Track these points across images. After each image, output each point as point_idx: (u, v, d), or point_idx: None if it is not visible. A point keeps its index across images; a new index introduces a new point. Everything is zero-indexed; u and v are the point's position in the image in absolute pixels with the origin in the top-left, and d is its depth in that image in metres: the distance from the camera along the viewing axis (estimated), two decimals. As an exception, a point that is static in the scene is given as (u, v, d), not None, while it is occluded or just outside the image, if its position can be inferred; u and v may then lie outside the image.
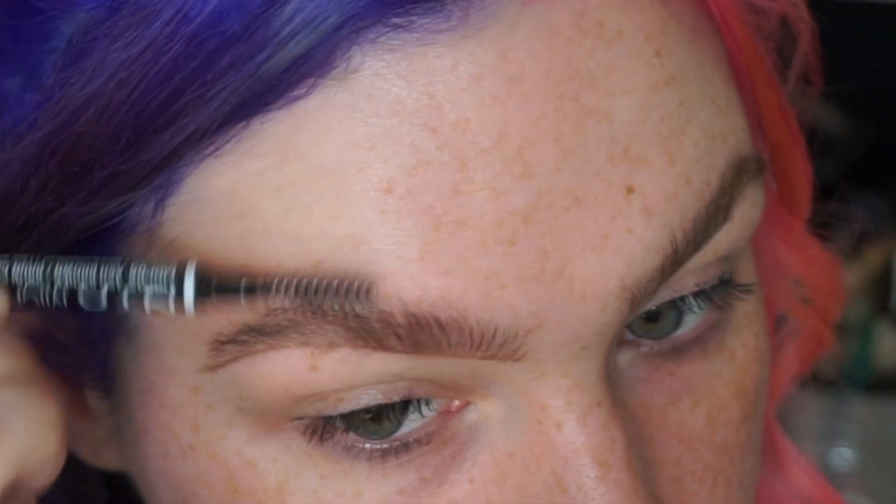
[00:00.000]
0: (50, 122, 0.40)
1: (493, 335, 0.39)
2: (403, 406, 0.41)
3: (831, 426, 1.47)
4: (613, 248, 0.39)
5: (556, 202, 0.39)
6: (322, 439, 0.41)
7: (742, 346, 0.45)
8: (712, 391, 0.44)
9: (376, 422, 0.41)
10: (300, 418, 0.41)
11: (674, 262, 0.40)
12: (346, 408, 0.40)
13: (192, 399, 0.42)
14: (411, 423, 0.41)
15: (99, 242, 0.42)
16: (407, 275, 0.38)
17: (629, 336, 0.43)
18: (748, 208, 0.42)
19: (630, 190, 0.39)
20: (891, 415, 1.57)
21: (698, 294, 0.43)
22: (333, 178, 0.38)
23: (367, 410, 0.41)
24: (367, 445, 0.41)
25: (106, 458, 0.49)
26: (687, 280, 0.42)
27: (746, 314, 0.45)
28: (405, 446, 0.41)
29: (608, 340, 0.41)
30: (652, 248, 0.40)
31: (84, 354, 0.45)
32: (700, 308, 0.43)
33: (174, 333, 0.42)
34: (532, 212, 0.39)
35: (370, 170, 0.38)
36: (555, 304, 0.39)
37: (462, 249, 0.38)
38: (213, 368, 0.41)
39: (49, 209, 0.41)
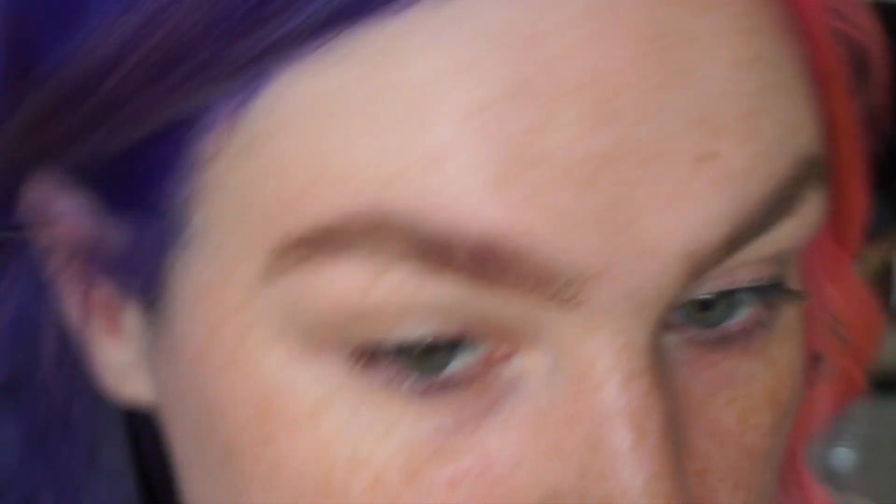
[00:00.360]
0: (151, 4, 0.40)
1: (556, 276, 0.39)
2: (455, 342, 0.41)
3: (831, 426, 1.47)
4: (681, 210, 0.39)
5: (634, 154, 0.39)
6: (366, 366, 0.41)
7: (781, 356, 0.45)
8: (749, 392, 0.44)
9: (426, 355, 0.41)
10: (348, 341, 0.41)
11: (736, 238, 0.40)
12: (398, 335, 0.40)
13: (241, 310, 0.42)
14: (458, 363, 0.41)
15: (175, 135, 0.41)
16: (482, 199, 0.38)
17: (678, 319, 0.43)
18: (810, 209, 0.42)
19: (704, 158, 0.39)
20: (891, 415, 1.57)
21: (751, 290, 0.43)
22: (421, 95, 0.38)
23: (418, 343, 0.40)
24: (409, 380, 0.41)
25: (131, 386, 0.48)
26: (742, 273, 0.42)
27: (789, 325, 0.45)
28: (446, 386, 0.41)
29: (663, 304, 0.41)
30: (718, 219, 0.40)
31: (133, 263, 0.45)
32: (751, 304, 0.43)
33: (234, 240, 0.41)
34: (611, 158, 0.38)
35: (459, 91, 0.38)
36: (620, 254, 0.39)
37: (539, 182, 0.38)
38: (269, 278, 0.41)
39: (133, 95, 0.41)
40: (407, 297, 0.39)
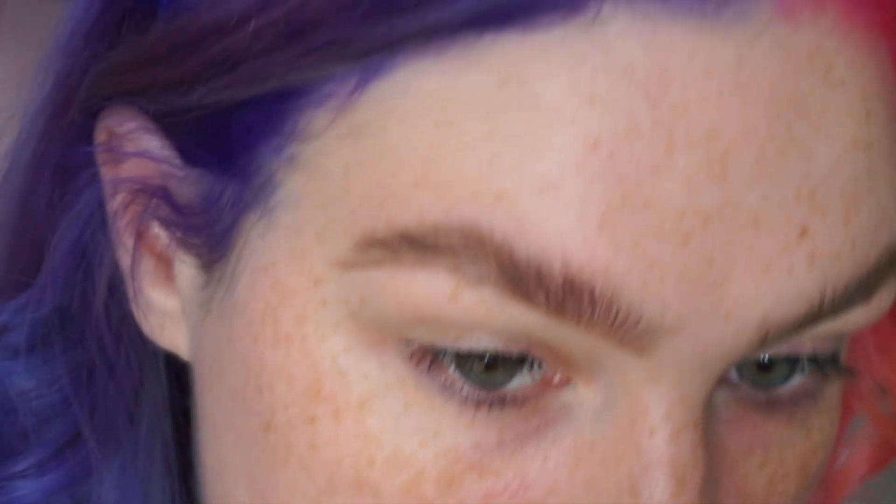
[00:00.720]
0: None
1: (637, 323, 0.39)
2: (518, 361, 0.41)
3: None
4: (771, 280, 0.39)
5: (738, 216, 0.39)
6: (426, 368, 0.41)
7: (820, 429, 0.45)
8: (782, 458, 0.44)
9: (489, 370, 0.41)
10: (411, 341, 0.41)
11: (814, 317, 0.41)
12: (464, 345, 0.40)
13: (310, 289, 0.42)
14: (516, 382, 0.41)
15: (277, 107, 0.41)
16: (580, 236, 0.38)
17: (733, 377, 0.43)
18: (885, 298, 0.43)
19: (804, 232, 0.39)
20: (893, 415, 1.56)
21: (811, 360, 0.44)
22: (544, 118, 0.38)
23: (481, 356, 0.40)
24: (465, 390, 0.41)
25: (169, 336, 0.48)
26: (806, 342, 0.42)
27: (831, 399, 0.46)
28: (500, 402, 0.41)
29: (725, 367, 0.41)
30: (803, 295, 0.40)
31: (202, 220, 0.45)
32: (806, 373, 0.44)
33: (320, 219, 0.41)
34: (714, 217, 0.38)
35: (583, 121, 0.38)
36: (701, 312, 0.39)
37: (642, 229, 0.38)
38: (348, 266, 0.41)
39: (252, 56, 0.40)
40: (483, 317, 0.39)
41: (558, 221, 0.38)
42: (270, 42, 0.40)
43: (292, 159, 0.42)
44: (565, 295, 0.38)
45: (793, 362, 0.44)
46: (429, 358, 0.41)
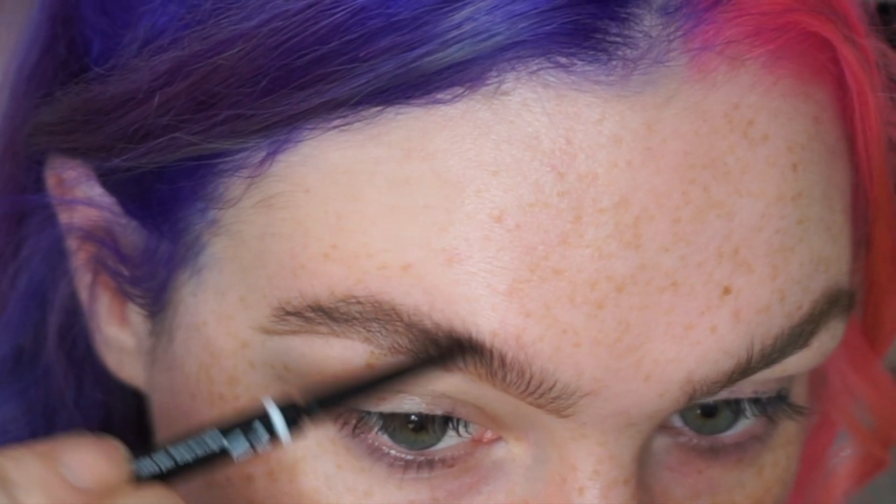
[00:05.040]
0: (193, 46, 0.40)
1: (551, 388, 0.39)
2: (444, 421, 0.41)
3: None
4: (693, 341, 0.39)
5: (654, 281, 0.38)
6: (352, 433, 0.41)
7: (773, 465, 0.45)
8: (731, 499, 0.44)
9: (417, 431, 0.41)
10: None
11: (743, 371, 0.40)
12: (387, 408, 0.40)
13: (237, 352, 0.42)
14: (447, 441, 0.41)
15: (197, 173, 0.41)
16: (489, 305, 0.38)
17: (675, 422, 0.43)
18: (827, 340, 0.42)
19: (727, 291, 0.39)
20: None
21: (754, 401, 0.43)
22: (449, 191, 0.38)
23: (407, 418, 0.41)
24: (393, 452, 0.41)
25: (127, 371, 0.48)
26: (745, 386, 0.42)
27: (787, 435, 0.45)
28: (429, 463, 0.41)
29: (655, 424, 0.41)
30: (729, 352, 0.40)
31: (142, 272, 0.45)
32: (753, 415, 0.43)
33: (242, 284, 0.41)
34: (628, 283, 0.38)
35: (487, 194, 0.38)
36: (618, 377, 0.39)
37: (550, 298, 0.38)
38: (269, 332, 0.41)
39: (164, 128, 0.41)
40: (400, 381, 0.39)
41: (466, 291, 0.38)
42: (175, 115, 0.40)
43: (215, 223, 0.42)
44: (477, 360, 0.39)
45: (735, 406, 0.43)
46: (353, 421, 0.41)
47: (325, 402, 0.39)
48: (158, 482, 0.38)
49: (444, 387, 0.40)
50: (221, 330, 0.42)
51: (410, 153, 0.38)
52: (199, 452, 0.38)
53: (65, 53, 0.46)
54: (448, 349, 0.39)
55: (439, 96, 0.38)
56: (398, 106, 0.38)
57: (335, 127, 0.39)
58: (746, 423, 0.44)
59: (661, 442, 0.43)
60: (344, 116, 0.39)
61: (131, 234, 0.45)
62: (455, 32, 0.37)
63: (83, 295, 0.48)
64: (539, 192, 0.38)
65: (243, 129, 0.40)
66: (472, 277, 0.38)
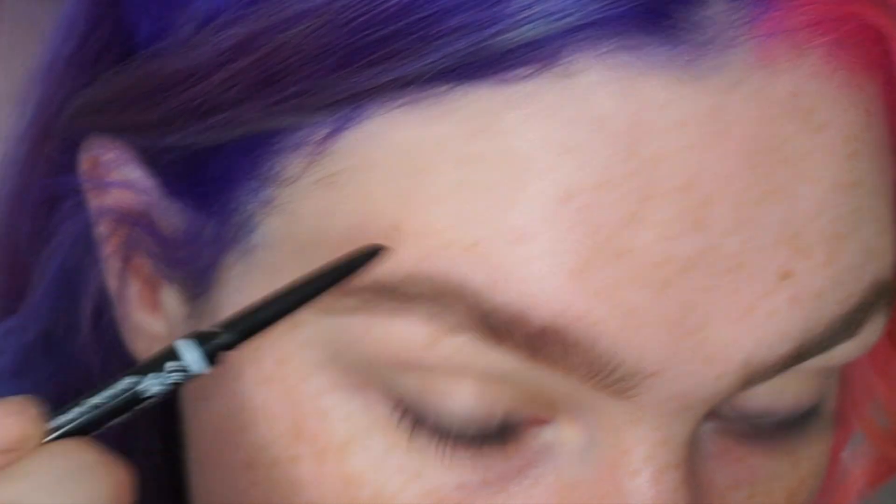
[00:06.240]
0: (260, 23, 0.39)
1: (615, 369, 0.39)
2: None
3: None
4: (753, 324, 0.39)
5: (718, 263, 0.39)
6: (405, 413, 0.41)
7: (808, 459, 0.45)
8: (769, 490, 0.44)
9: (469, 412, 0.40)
10: (392, 388, 0.41)
11: (797, 356, 0.41)
12: (445, 406, 0.40)
13: (290, 331, 0.42)
14: (497, 424, 0.41)
15: (253, 152, 0.41)
16: (557, 285, 0.38)
17: (720, 410, 0.43)
18: (871, 332, 0.42)
19: (786, 275, 0.39)
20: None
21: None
22: (517, 170, 0.38)
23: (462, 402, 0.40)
24: (448, 432, 0.41)
25: None
26: (787, 393, 0.42)
27: (820, 431, 0.45)
28: (481, 444, 0.41)
29: (707, 408, 0.41)
30: (785, 337, 0.40)
31: (184, 254, 0.45)
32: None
33: (297, 263, 0.41)
34: (692, 265, 0.38)
35: (556, 173, 0.38)
36: (681, 357, 0.39)
37: (618, 277, 0.38)
38: (325, 312, 0.41)
39: (227, 104, 0.40)
40: (461, 362, 0.39)
41: (532, 271, 0.38)
42: (241, 90, 0.40)
43: (269, 202, 0.42)
44: (541, 342, 0.38)
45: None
46: (412, 413, 0.41)
47: (237, 326, 0.39)
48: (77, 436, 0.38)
49: (505, 368, 0.39)
50: None
51: (478, 131, 0.38)
52: (113, 399, 0.39)
53: (108, 37, 0.46)
54: (368, 254, 0.39)
55: (509, 75, 0.38)
56: (467, 84, 0.38)
57: (402, 104, 0.39)
58: (785, 412, 0.44)
59: (707, 428, 0.43)
60: (411, 94, 0.38)
61: (173, 216, 0.45)
62: (527, 13, 0.37)
63: (112, 281, 0.48)
64: (607, 172, 0.38)
65: (309, 105, 0.39)
66: (538, 257, 0.38)
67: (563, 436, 0.41)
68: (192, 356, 0.39)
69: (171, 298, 0.46)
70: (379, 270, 0.39)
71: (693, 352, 0.39)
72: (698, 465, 0.42)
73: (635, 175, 0.38)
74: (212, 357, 0.39)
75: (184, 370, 0.39)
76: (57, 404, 0.50)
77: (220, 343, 0.39)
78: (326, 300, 0.40)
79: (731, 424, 0.43)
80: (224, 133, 0.41)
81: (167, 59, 0.42)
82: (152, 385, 0.39)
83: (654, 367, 0.39)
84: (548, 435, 0.41)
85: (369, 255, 0.39)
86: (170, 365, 0.39)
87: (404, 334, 0.39)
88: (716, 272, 0.39)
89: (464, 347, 0.39)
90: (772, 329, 0.40)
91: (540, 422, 0.41)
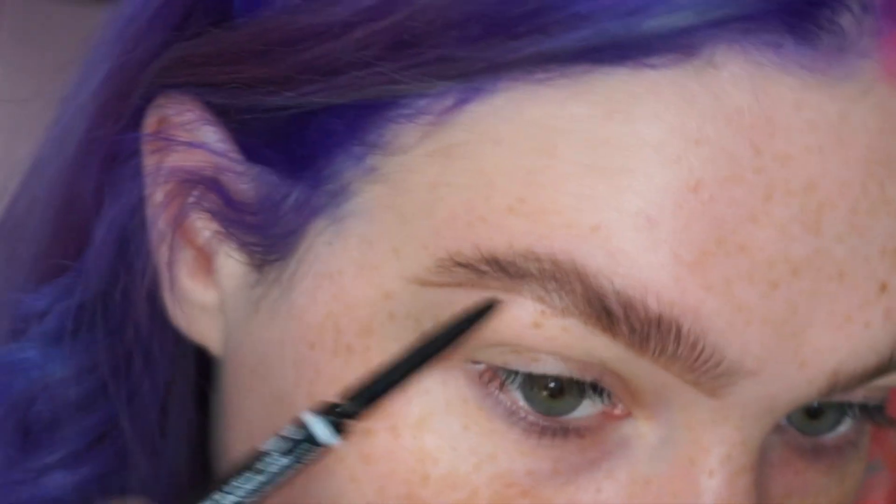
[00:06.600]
0: None
1: (719, 364, 0.39)
2: (585, 388, 0.41)
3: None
4: (848, 333, 0.40)
5: (825, 268, 0.39)
6: (493, 392, 0.40)
7: (852, 475, 0.46)
8: (816, 503, 0.45)
9: (555, 396, 0.41)
10: (479, 362, 0.40)
11: (880, 370, 0.41)
12: (537, 369, 0.40)
13: (378, 302, 0.41)
14: (581, 410, 0.41)
15: (364, 118, 0.41)
16: (673, 274, 0.38)
17: (784, 420, 0.43)
18: None
19: (884, 288, 0.40)
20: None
21: (862, 407, 0.44)
22: (648, 156, 0.38)
23: (549, 382, 0.40)
24: (530, 417, 0.41)
25: (202, 329, 0.47)
26: (858, 391, 0.43)
27: (865, 447, 0.46)
28: (563, 432, 0.41)
29: (788, 412, 0.41)
30: (875, 349, 0.40)
31: (260, 219, 0.44)
32: (856, 419, 0.44)
33: (398, 234, 0.41)
34: (803, 267, 0.39)
35: (686, 162, 0.38)
36: (777, 359, 0.40)
37: (731, 273, 0.38)
38: (425, 284, 0.40)
39: (354, 64, 0.40)
40: (563, 344, 0.39)
41: (652, 258, 0.38)
42: (373, 52, 0.39)
43: (373, 170, 0.41)
44: (652, 330, 0.39)
45: (844, 409, 0.44)
46: (497, 380, 0.40)
47: (365, 398, 0.39)
48: None
49: (605, 354, 0.39)
50: (362, 280, 0.41)
51: (612, 114, 0.38)
52: (252, 483, 0.39)
53: None
54: (483, 310, 0.39)
55: (651, 61, 0.38)
56: (608, 66, 0.38)
57: (537, 80, 0.39)
58: (845, 428, 0.44)
59: (771, 438, 0.43)
60: (550, 71, 0.38)
61: (250, 181, 0.44)
62: (680, 0, 0.37)
63: (161, 246, 0.47)
64: (736, 166, 0.38)
65: (442, 73, 0.39)
66: (659, 245, 0.38)
67: (639, 430, 0.41)
68: (320, 429, 0.39)
69: (232, 265, 0.46)
70: (495, 245, 0.39)
71: (790, 354, 0.40)
72: (760, 472, 0.42)
73: (762, 172, 0.38)
74: (338, 427, 0.39)
75: (314, 443, 0.39)
76: (109, 370, 0.49)
77: (347, 412, 0.39)
78: (430, 271, 0.40)
79: (793, 437, 0.44)
80: (342, 96, 0.40)
81: (292, 17, 0.41)
82: (279, 461, 0.39)
83: (753, 366, 0.39)
84: (625, 429, 0.42)
85: (485, 309, 0.39)
86: (294, 432, 0.39)
87: (512, 311, 0.39)
88: (823, 277, 0.39)
89: (570, 330, 0.39)
90: (865, 340, 0.40)
91: (619, 416, 0.41)
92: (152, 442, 0.50)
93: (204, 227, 0.46)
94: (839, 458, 0.45)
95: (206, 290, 0.47)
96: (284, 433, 0.39)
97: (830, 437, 0.44)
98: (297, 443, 0.40)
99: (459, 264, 0.39)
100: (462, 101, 0.39)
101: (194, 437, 0.51)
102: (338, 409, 0.39)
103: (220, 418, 0.49)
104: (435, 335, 0.39)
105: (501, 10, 0.38)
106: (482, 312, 0.39)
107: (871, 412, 0.44)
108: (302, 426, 0.39)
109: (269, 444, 0.39)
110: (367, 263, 0.41)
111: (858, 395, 0.43)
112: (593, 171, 0.38)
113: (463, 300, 0.40)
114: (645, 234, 0.38)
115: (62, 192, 0.50)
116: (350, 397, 0.39)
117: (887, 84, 0.39)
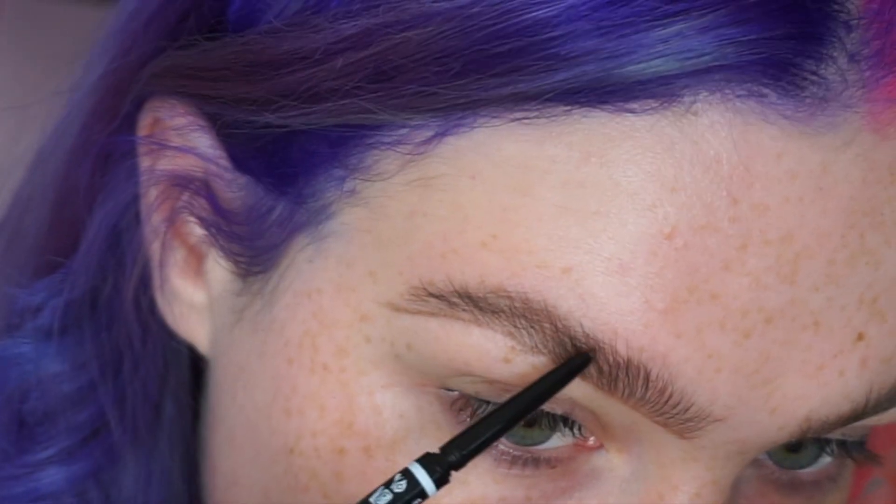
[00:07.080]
0: (386, 16, 0.39)
1: (686, 410, 0.39)
2: (554, 421, 0.41)
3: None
4: (822, 381, 0.40)
5: (799, 318, 0.39)
6: (465, 420, 0.41)
7: None
8: None
9: (529, 426, 0.41)
10: (452, 389, 0.41)
11: (855, 416, 0.41)
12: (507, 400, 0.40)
13: (354, 324, 0.41)
14: (554, 441, 0.41)
15: (347, 142, 0.41)
16: (643, 321, 0.38)
17: (761, 455, 0.43)
18: None
19: (860, 337, 0.40)
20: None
21: (840, 443, 0.44)
22: (623, 201, 0.38)
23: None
24: (501, 446, 0.41)
25: (191, 327, 0.48)
26: (835, 431, 0.43)
27: (846, 479, 0.46)
28: (535, 462, 0.41)
29: (759, 453, 0.41)
30: (850, 397, 0.40)
31: (245, 230, 0.44)
32: (834, 456, 0.44)
33: (375, 258, 0.41)
34: (777, 316, 0.39)
35: (662, 209, 0.38)
36: (748, 406, 0.39)
37: (702, 321, 0.38)
38: (399, 310, 0.40)
39: (336, 91, 0.40)
40: (532, 381, 0.39)
41: (623, 303, 0.38)
42: (353, 81, 0.40)
43: (353, 193, 0.41)
44: (620, 374, 0.39)
45: (822, 445, 0.44)
46: (470, 409, 0.41)
47: (464, 446, 0.39)
48: None
49: (575, 393, 0.40)
50: (340, 301, 0.42)
51: (590, 157, 0.38)
52: None
53: (190, 4, 0.45)
54: (579, 364, 0.39)
55: (631, 106, 0.38)
56: (587, 108, 0.38)
57: (516, 119, 0.39)
58: (825, 463, 0.45)
59: (747, 472, 0.43)
60: (529, 110, 0.38)
61: (238, 189, 0.44)
62: (663, 47, 0.37)
63: (154, 245, 0.47)
64: (711, 215, 0.38)
65: (421, 105, 0.39)
66: (631, 291, 0.38)
67: (611, 462, 0.42)
68: (423, 478, 0.39)
69: (219, 270, 0.46)
70: (466, 279, 0.39)
71: (761, 401, 0.40)
72: None
73: (738, 221, 0.38)
74: (442, 478, 0.39)
75: (420, 494, 0.39)
76: (98, 367, 0.49)
77: (451, 463, 0.39)
78: (404, 298, 0.40)
79: (770, 471, 0.44)
80: (322, 120, 0.41)
81: (281, 38, 0.41)
82: None
83: (722, 413, 0.39)
84: (597, 460, 0.42)
85: (583, 364, 0.39)
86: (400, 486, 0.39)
87: (483, 345, 0.39)
88: (797, 326, 0.39)
89: (539, 368, 0.39)
90: (839, 389, 0.40)
91: (591, 447, 0.42)
92: (143, 440, 0.50)
93: (194, 228, 0.47)
94: (817, 492, 0.45)
95: (195, 290, 0.47)
96: (394, 488, 0.39)
97: (809, 472, 0.44)
98: (403, 495, 0.39)
99: (432, 294, 0.40)
100: (442, 134, 0.39)
101: (189, 436, 0.51)
102: (447, 461, 0.39)
103: (205, 419, 0.49)
104: (533, 387, 0.39)
105: (482, 48, 0.38)
106: (580, 367, 0.39)
107: (849, 448, 0.44)
108: (411, 478, 0.39)
109: (375, 495, 0.39)
110: (344, 285, 0.42)
111: (836, 433, 0.43)
112: (568, 213, 0.38)
113: (436, 329, 0.40)
114: (617, 278, 0.38)
115: (57, 189, 0.50)
116: (456, 448, 0.39)
117: (872, 134, 0.39)
